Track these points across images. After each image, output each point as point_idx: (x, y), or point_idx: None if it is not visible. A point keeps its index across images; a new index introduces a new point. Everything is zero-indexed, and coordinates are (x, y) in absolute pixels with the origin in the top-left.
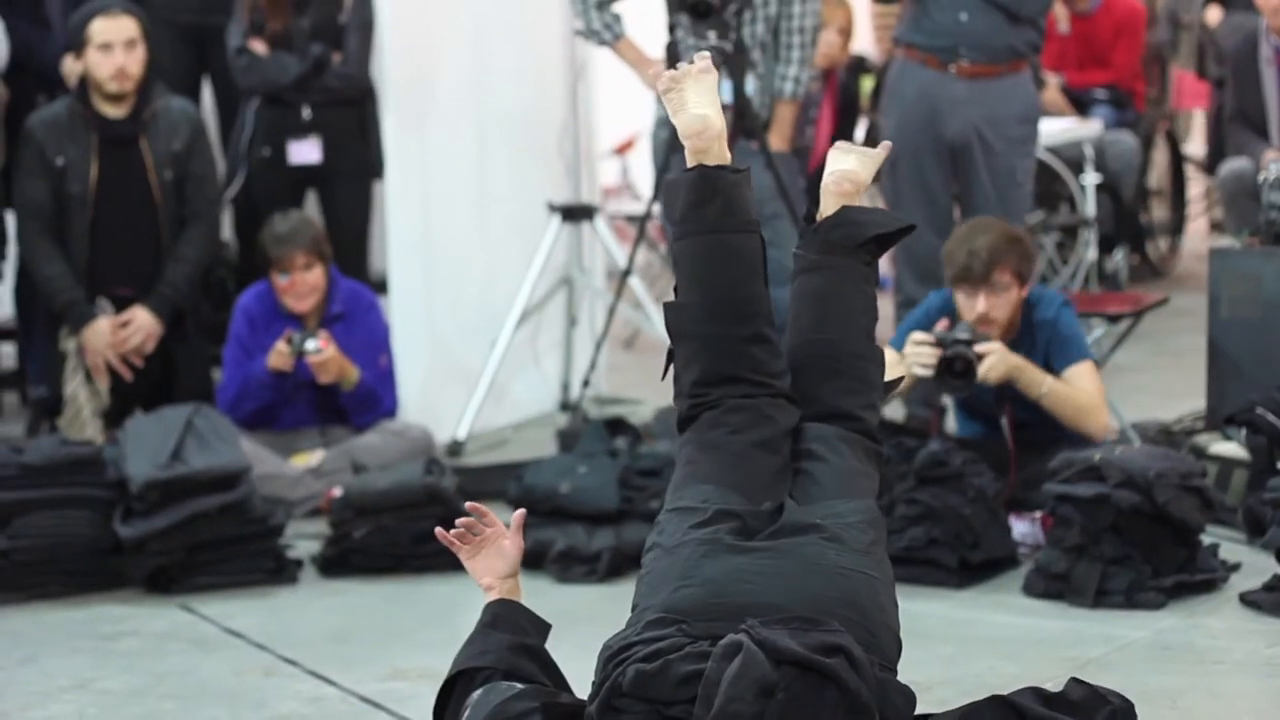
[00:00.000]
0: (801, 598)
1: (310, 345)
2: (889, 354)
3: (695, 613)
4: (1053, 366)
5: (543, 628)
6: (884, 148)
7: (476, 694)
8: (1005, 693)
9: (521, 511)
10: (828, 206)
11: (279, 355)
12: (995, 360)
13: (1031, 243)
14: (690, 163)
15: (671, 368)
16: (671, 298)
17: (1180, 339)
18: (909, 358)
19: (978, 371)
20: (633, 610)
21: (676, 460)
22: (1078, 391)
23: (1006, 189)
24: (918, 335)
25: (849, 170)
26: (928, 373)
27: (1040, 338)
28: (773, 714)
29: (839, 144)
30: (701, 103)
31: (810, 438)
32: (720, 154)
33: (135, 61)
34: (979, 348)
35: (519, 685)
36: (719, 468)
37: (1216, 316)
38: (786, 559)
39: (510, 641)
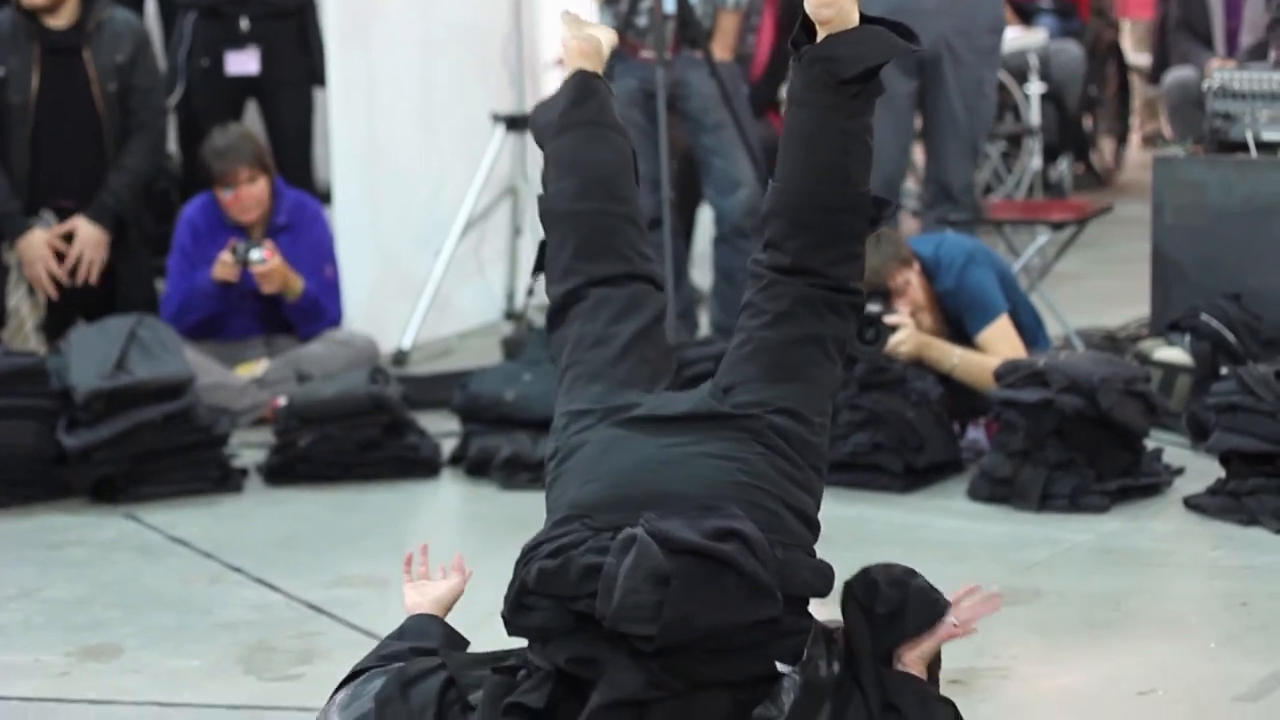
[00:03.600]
0: (701, 485)
1: (254, 255)
2: None
3: (599, 507)
4: (967, 332)
5: (458, 642)
6: None
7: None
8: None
9: (462, 568)
10: (818, 36)
11: (223, 266)
12: (904, 336)
13: (894, 230)
14: (570, 71)
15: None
16: None
17: (1124, 247)
18: None
19: (888, 342)
20: (546, 516)
21: (556, 363)
22: (990, 359)
23: (974, 100)
24: None
25: None
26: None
27: (949, 308)
28: (671, 603)
29: None
30: (592, 25)
31: (771, 295)
32: (597, 67)
33: None
34: (889, 319)
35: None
36: (604, 364)
37: (1161, 224)
38: (686, 447)
39: (413, 646)
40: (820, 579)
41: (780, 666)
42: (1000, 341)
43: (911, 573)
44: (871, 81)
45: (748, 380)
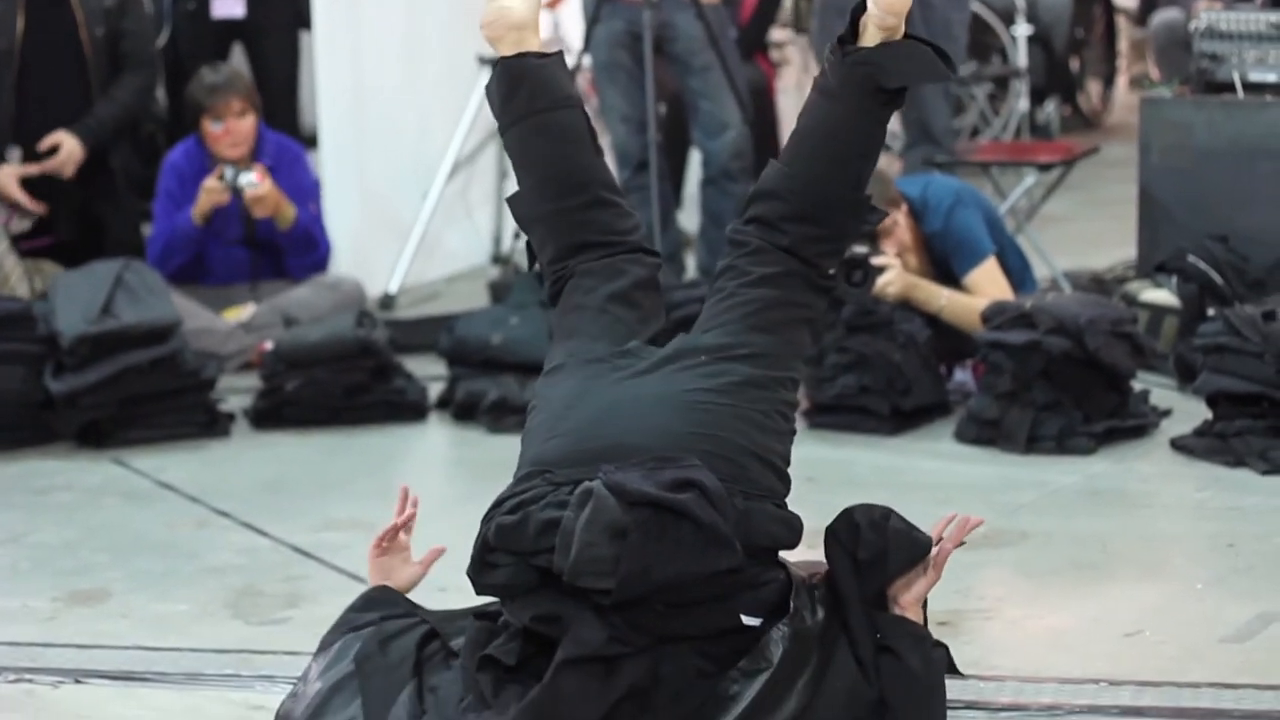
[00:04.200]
0: (661, 436)
1: (244, 180)
2: None
3: (560, 461)
4: (954, 274)
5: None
6: None
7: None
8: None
9: (439, 548)
10: (868, 38)
11: (212, 191)
12: (892, 276)
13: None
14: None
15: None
16: None
17: (1111, 188)
18: None
19: (876, 282)
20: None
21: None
22: (978, 300)
23: (943, 43)
24: None
25: (894, 2)
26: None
27: (935, 250)
28: (629, 555)
29: None
30: None
31: (757, 261)
32: (518, 41)
33: None
34: (876, 260)
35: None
36: (579, 323)
37: (1148, 165)
38: (648, 399)
39: (383, 615)
40: (787, 530)
41: (746, 619)
42: (987, 283)
43: (890, 513)
44: (903, 96)
45: (723, 325)
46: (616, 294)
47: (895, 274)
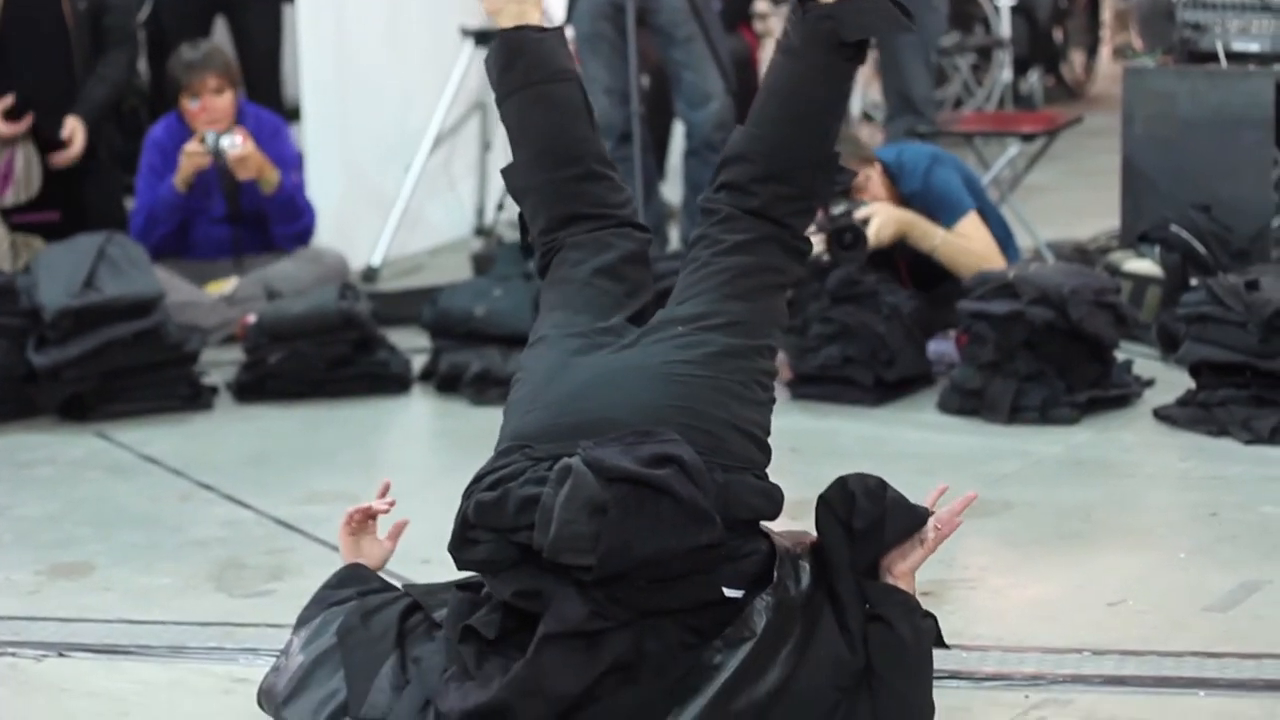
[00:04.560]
0: (640, 410)
1: (226, 141)
2: None
3: (539, 436)
4: None
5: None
6: None
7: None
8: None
9: (403, 521)
10: None
11: (193, 155)
12: (883, 220)
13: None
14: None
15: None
16: None
17: (1095, 159)
18: None
19: (868, 236)
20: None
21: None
22: (972, 243)
23: (921, 13)
24: None
25: None
26: (822, 255)
27: (916, 209)
28: (608, 532)
29: None
30: None
31: (730, 229)
32: (519, 14)
33: None
34: (860, 213)
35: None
36: (564, 296)
37: (1131, 135)
38: (627, 372)
39: (360, 590)
40: (767, 502)
41: (728, 591)
42: (974, 231)
43: (886, 484)
44: (865, 49)
45: (699, 295)
46: (603, 268)
47: (884, 217)
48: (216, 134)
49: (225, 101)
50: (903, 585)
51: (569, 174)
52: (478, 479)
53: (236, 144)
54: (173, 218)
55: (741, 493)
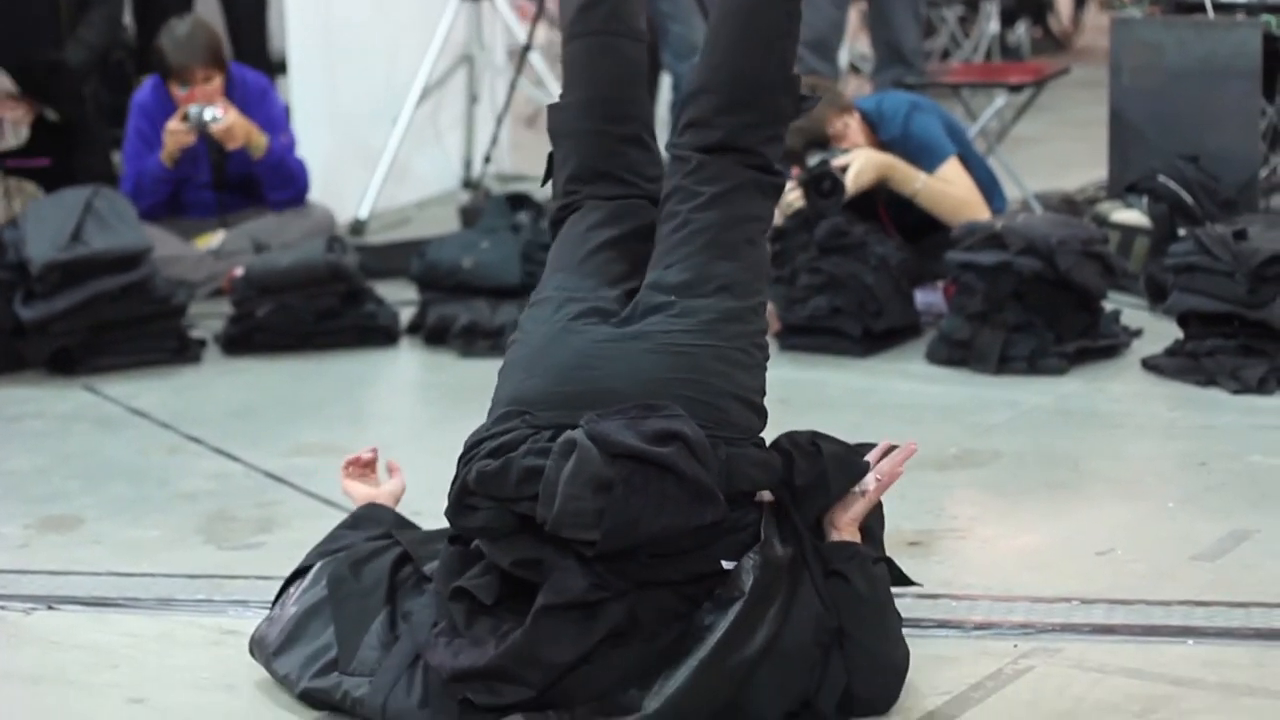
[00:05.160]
0: (642, 381)
1: (209, 115)
2: None
3: (540, 402)
4: None
5: (410, 528)
6: None
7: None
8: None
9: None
10: None
11: (176, 133)
12: (862, 164)
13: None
14: None
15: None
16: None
17: (1082, 110)
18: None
19: (846, 183)
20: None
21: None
22: (953, 187)
23: None
24: None
25: None
26: (800, 203)
27: (896, 156)
28: (613, 508)
29: None
30: None
31: (704, 178)
32: None
33: None
34: (838, 160)
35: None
36: (571, 259)
37: (1118, 86)
38: (629, 341)
39: (369, 535)
40: (765, 471)
41: (725, 564)
42: (955, 176)
43: (821, 437)
44: None
45: (685, 259)
46: (616, 238)
47: (863, 161)
48: (200, 107)
49: (214, 86)
50: (847, 536)
51: (617, 131)
52: (476, 442)
53: (219, 117)
54: (160, 189)
55: (743, 465)
